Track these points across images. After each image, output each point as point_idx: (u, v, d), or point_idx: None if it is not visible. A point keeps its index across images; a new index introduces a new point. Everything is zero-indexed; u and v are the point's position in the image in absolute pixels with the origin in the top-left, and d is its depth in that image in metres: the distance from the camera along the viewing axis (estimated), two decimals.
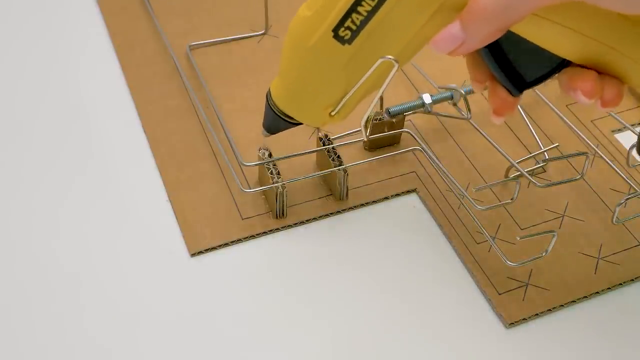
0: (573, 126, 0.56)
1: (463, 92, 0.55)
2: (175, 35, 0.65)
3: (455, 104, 0.57)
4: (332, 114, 0.45)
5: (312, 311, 0.48)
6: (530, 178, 0.51)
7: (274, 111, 0.48)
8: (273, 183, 0.51)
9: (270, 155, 0.52)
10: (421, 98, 0.55)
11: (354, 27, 0.41)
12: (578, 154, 0.52)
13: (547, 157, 0.54)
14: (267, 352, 0.46)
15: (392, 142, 0.57)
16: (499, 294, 0.49)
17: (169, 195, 0.54)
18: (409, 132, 0.57)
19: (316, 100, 0.45)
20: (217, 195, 0.54)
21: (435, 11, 0.40)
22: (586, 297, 0.49)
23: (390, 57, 0.41)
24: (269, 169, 0.52)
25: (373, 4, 0.40)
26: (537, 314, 0.48)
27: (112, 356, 0.45)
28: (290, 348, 0.46)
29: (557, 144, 0.57)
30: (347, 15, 0.41)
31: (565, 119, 0.57)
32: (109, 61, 0.64)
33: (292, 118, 0.47)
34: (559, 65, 0.41)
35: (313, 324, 0.47)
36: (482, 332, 0.47)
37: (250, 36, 0.66)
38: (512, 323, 0.48)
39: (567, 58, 0.40)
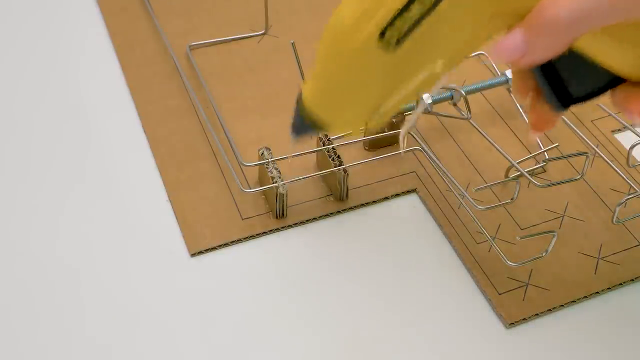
0: (573, 126, 0.56)
1: (463, 92, 0.55)
2: (175, 35, 0.65)
3: (455, 104, 0.57)
4: (368, 121, 0.42)
5: (312, 311, 0.48)
6: (530, 178, 0.51)
7: (301, 116, 0.44)
8: (273, 183, 0.51)
9: (270, 155, 0.52)
10: (421, 98, 0.55)
11: (403, 30, 0.37)
12: (578, 154, 0.52)
13: (547, 157, 0.54)
14: (267, 352, 0.46)
15: (392, 142, 0.57)
16: (499, 294, 0.49)
17: (169, 195, 0.54)
18: (409, 132, 0.57)
19: (353, 106, 0.42)
20: (217, 195, 0.54)
21: (491, 15, 0.36)
22: (586, 297, 0.49)
23: (438, 69, 0.38)
24: (268, 169, 0.52)
25: (430, 2, 0.36)
26: (537, 314, 0.48)
27: (112, 356, 0.45)
28: (290, 348, 0.46)
29: (557, 144, 0.57)
30: (396, 16, 0.37)
31: (565, 119, 0.57)
32: (109, 61, 0.64)
33: (319, 125, 0.44)
34: (610, 82, 0.38)
35: (313, 323, 0.47)
36: (482, 332, 0.47)
37: (250, 36, 0.66)
38: (512, 323, 0.48)
39: (622, 74, 0.37)
